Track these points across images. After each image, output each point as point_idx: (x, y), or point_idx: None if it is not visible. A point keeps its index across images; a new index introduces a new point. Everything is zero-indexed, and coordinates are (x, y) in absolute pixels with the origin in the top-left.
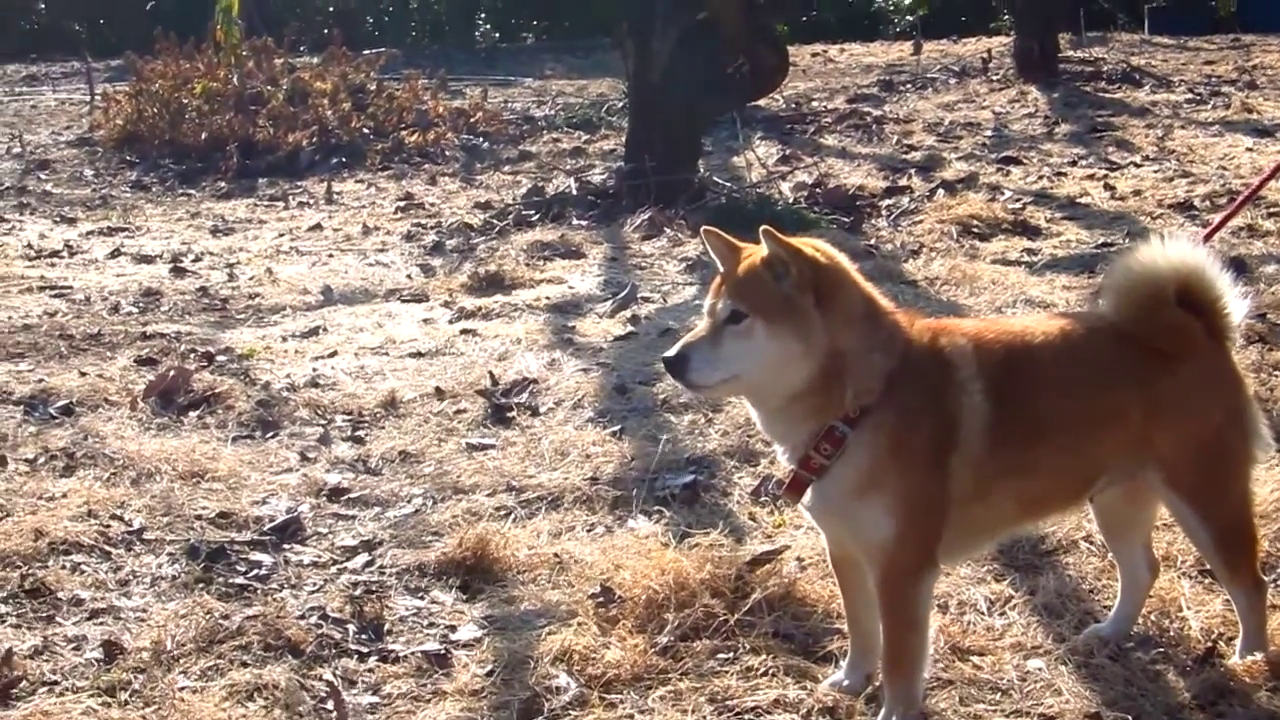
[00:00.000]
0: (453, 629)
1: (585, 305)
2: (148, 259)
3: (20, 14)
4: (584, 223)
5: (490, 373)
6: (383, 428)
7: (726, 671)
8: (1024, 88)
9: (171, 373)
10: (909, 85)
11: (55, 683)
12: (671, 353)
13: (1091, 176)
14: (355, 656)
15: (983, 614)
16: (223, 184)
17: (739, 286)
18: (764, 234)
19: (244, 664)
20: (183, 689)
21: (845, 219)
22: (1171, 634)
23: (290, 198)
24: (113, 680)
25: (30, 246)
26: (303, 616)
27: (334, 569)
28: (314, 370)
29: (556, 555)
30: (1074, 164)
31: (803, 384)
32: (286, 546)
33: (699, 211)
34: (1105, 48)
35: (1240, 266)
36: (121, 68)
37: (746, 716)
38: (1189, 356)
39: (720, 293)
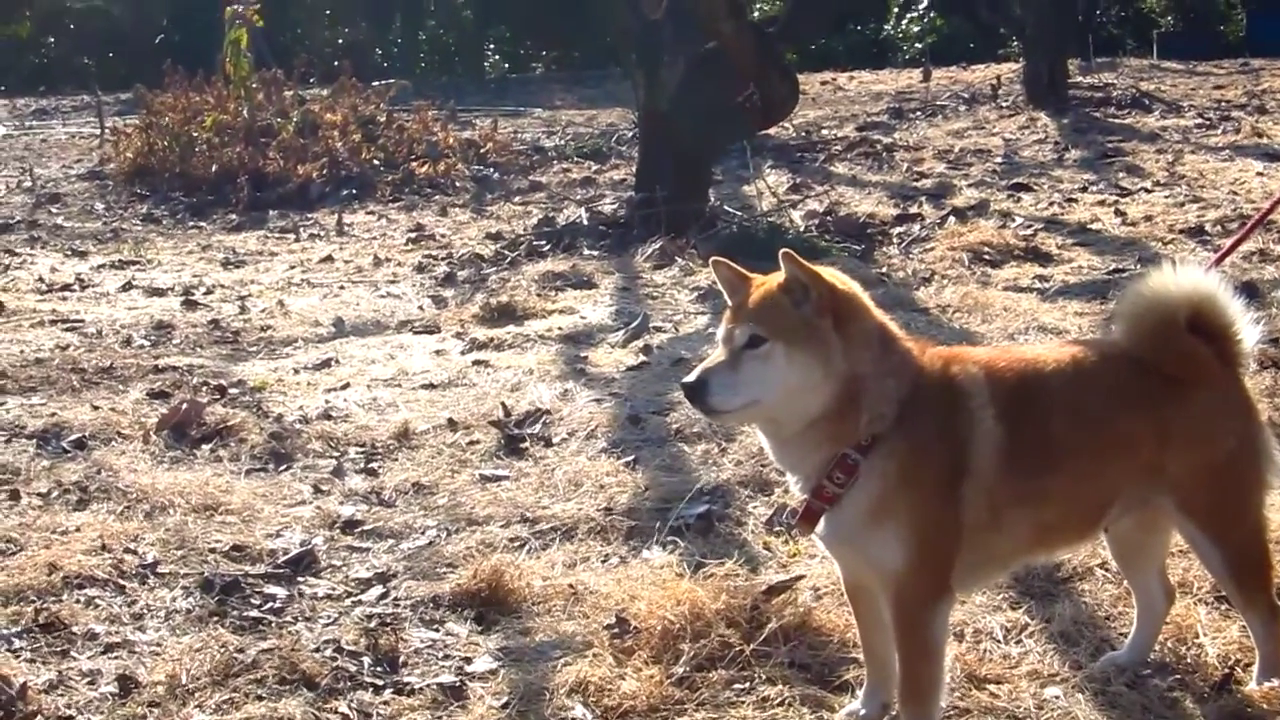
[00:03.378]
0: (468, 661)
1: (597, 335)
2: (159, 292)
3: (30, 48)
4: (595, 253)
5: (503, 403)
6: (396, 459)
7: (743, 702)
8: (1033, 114)
9: (184, 406)
10: (918, 113)
11: (70, 717)
12: (691, 378)
13: (1102, 202)
14: (370, 689)
15: (999, 642)
16: (233, 216)
17: (757, 311)
18: (784, 257)
19: (259, 697)
20: None
21: (856, 247)
22: (1188, 661)
23: (301, 230)
24: (128, 714)
25: (41, 280)
26: (317, 649)
27: (348, 601)
28: (326, 402)
29: (571, 586)
30: (1084, 190)
31: (820, 409)
32: (300, 579)
33: (710, 240)
34: (1114, 73)
35: (1252, 291)
36: (131, 101)
37: None
38: (1201, 383)
39: (736, 319)
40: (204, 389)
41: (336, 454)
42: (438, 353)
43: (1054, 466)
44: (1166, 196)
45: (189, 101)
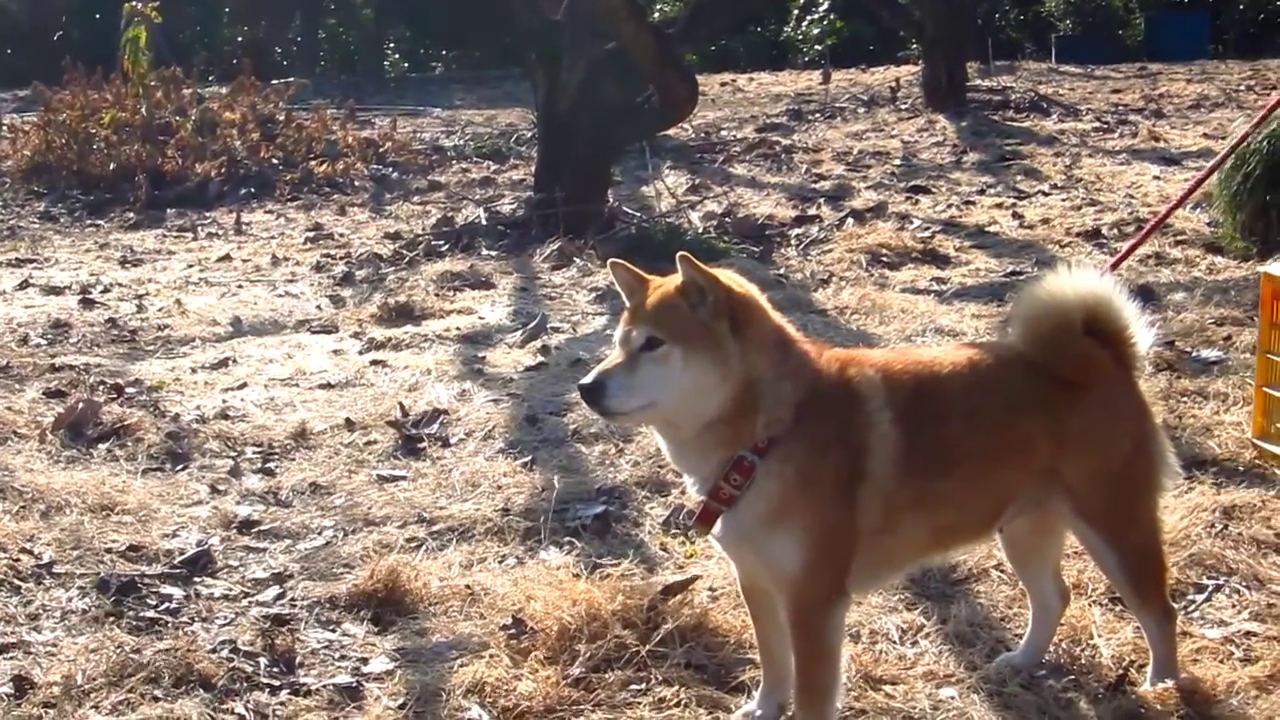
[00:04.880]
0: (364, 661)
1: (495, 336)
2: (56, 290)
3: None
4: (493, 253)
5: (400, 404)
6: (293, 459)
7: (639, 703)
8: (932, 117)
9: (81, 405)
10: (818, 114)
11: None
12: (587, 380)
13: (1000, 205)
14: (267, 690)
15: (895, 643)
16: (131, 215)
17: (654, 314)
18: (681, 260)
19: (155, 698)
20: None
21: (755, 248)
22: (1083, 662)
23: (199, 228)
24: (23, 715)
25: None
26: (214, 650)
27: (245, 602)
28: (224, 402)
29: (468, 587)
30: (982, 192)
31: (717, 411)
32: (197, 579)
33: (609, 241)
34: (1013, 76)
35: (1148, 294)
36: (29, 98)
37: None
38: (1096, 386)
39: (634, 321)
40: (101, 388)
41: (234, 454)
42: (335, 352)
43: (950, 470)
44: (1064, 199)
45: (87, 99)
